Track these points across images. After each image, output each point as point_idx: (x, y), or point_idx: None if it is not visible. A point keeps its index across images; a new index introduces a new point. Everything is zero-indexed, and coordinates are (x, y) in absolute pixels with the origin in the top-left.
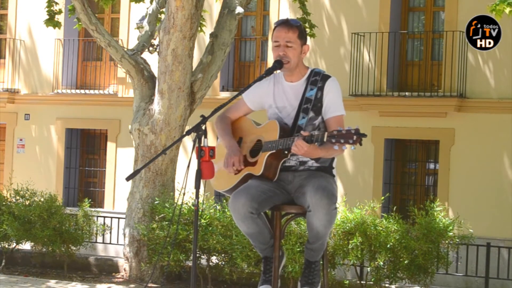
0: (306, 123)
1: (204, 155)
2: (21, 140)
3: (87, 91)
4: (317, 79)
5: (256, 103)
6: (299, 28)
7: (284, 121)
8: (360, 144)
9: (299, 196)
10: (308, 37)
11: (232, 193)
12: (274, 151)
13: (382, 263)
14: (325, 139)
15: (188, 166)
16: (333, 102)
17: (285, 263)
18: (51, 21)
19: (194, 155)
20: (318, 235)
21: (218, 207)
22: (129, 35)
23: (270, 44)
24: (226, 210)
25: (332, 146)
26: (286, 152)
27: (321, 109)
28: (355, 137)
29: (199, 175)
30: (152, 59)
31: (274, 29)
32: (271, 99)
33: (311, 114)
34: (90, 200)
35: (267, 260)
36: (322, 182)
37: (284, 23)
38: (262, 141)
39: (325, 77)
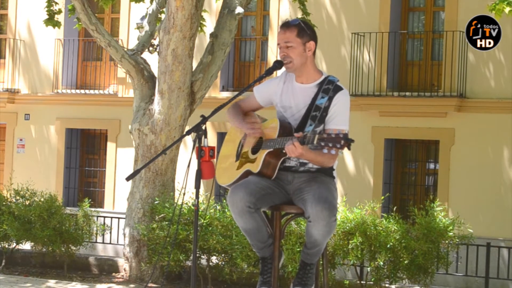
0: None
1: (204, 155)
2: (21, 140)
3: (87, 91)
4: (330, 87)
5: (265, 100)
6: (297, 26)
7: (287, 121)
8: (349, 149)
9: (298, 199)
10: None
11: (231, 188)
12: (271, 149)
13: (382, 263)
14: (315, 142)
15: (188, 166)
16: (338, 114)
17: (285, 263)
18: (50, 20)
19: (194, 155)
20: (315, 243)
21: (218, 207)
22: (129, 35)
23: (270, 44)
24: (226, 210)
25: (322, 150)
26: (284, 151)
27: (325, 118)
28: (342, 142)
29: (199, 175)
30: (152, 59)
31: None
32: (278, 97)
33: (317, 122)
34: (90, 200)
35: (264, 261)
36: (323, 192)
37: (283, 24)
38: (263, 138)
39: (337, 88)
